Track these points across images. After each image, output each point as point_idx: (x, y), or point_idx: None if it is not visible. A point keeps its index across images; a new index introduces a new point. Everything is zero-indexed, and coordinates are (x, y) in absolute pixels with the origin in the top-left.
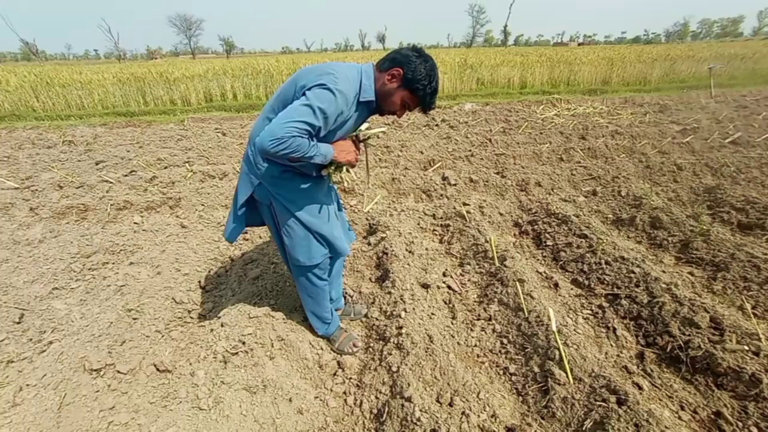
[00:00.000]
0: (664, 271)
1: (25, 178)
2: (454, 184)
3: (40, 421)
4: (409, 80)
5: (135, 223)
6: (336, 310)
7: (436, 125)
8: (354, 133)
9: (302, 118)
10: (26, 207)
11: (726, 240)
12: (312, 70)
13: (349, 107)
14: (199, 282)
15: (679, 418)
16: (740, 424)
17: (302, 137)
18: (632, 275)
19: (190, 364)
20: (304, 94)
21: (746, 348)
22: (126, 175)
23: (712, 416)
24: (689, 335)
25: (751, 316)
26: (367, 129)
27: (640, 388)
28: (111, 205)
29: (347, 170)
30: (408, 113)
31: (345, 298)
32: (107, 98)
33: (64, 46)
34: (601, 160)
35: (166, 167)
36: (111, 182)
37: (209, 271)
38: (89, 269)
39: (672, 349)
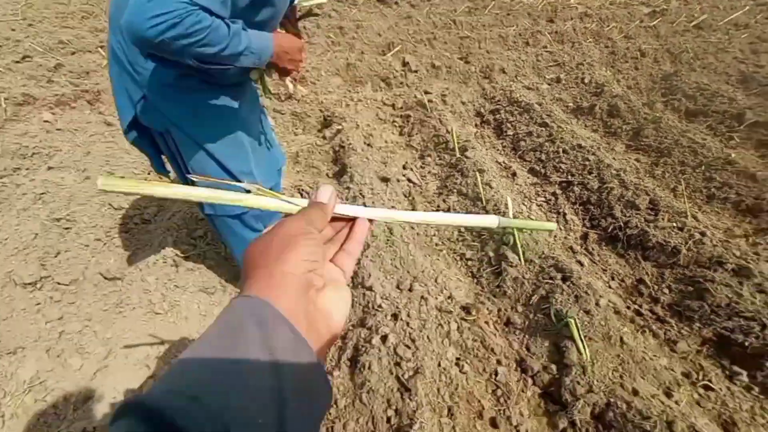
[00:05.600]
0: (614, 159)
1: None
2: (416, 71)
3: None
4: None
5: (46, 121)
6: None
7: (395, 2)
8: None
9: None
10: None
11: (673, 127)
12: None
13: None
14: None
15: (609, 286)
16: (656, 287)
17: (209, 13)
18: (587, 163)
19: (140, 270)
20: None
21: (674, 225)
22: (18, 62)
23: (635, 283)
24: (629, 216)
25: (684, 196)
26: (306, 3)
27: (581, 264)
28: (5, 99)
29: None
30: None
31: None
32: None
33: None
34: (568, 45)
35: (73, 53)
36: None
37: (149, 173)
38: None
39: (613, 230)
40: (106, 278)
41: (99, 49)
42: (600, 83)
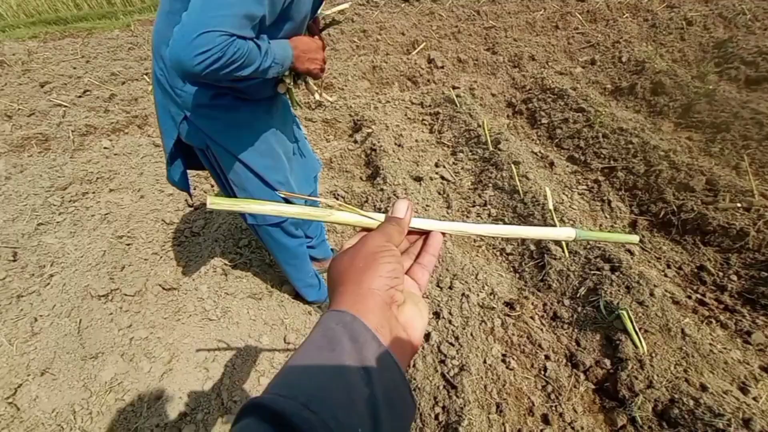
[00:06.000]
0: (662, 139)
1: None
2: (442, 67)
3: (64, 344)
4: None
5: (105, 148)
6: (323, 261)
7: (417, 0)
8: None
9: (234, 5)
10: None
11: (731, 98)
12: None
13: None
14: (186, 200)
15: (665, 275)
16: (721, 273)
17: (243, 38)
18: (630, 146)
19: (193, 280)
20: None
21: (738, 205)
22: (80, 96)
23: (696, 270)
24: (683, 199)
25: (748, 172)
26: (328, 12)
27: (631, 254)
28: (72, 131)
29: (308, 80)
30: None
31: (330, 245)
32: (27, 1)
33: None
34: (602, 24)
35: (123, 82)
36: (65, 106)
37: (194, 188)
38: (70, 201)
39: (665, 215)
40: (164, 289)
41: (144, 76)
42: (640, 60)
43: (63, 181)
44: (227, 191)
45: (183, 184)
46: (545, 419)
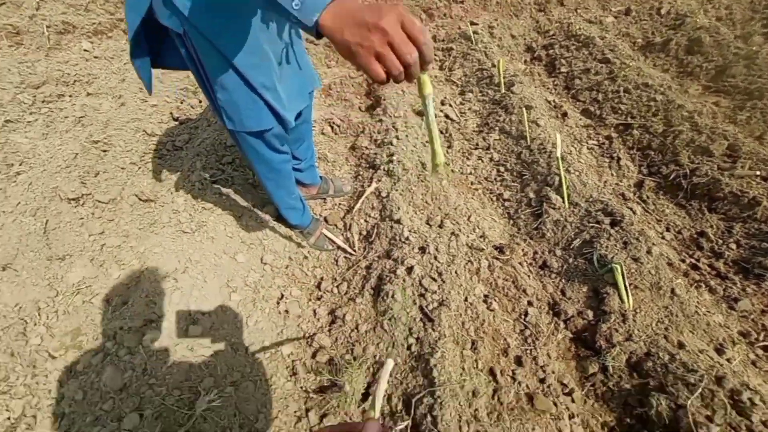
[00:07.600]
0: (687, 100)
1: None
2: (461, 2)
3: (28, 242)
4: None
5: (84, 50)
6: (309, 186)
7: None
8: None
9: None
10: None
11: None
12: None
13: None
14: (171, 113)
15: (662, 237)
16: (720, 241)
17: None
18: (652, 103)
19: (171, 193)
20: None
21: (757, 173)
22: None
23: (695, 236)
24: (698, 163)
25: None
26: None
27: (633, 212)
28: (48, 27)
29: None
30: None
31: (320, 173)
32: None
33: None
34: None
35: None
36: None
37: (181, 102)
38: (43, 102)
39: (675, 178)
40: (141, 200)
41: None
42: (681, 13)
43: (35, 79)
44: (206, 89)
45: (145, 73)
46: (518, 361)
